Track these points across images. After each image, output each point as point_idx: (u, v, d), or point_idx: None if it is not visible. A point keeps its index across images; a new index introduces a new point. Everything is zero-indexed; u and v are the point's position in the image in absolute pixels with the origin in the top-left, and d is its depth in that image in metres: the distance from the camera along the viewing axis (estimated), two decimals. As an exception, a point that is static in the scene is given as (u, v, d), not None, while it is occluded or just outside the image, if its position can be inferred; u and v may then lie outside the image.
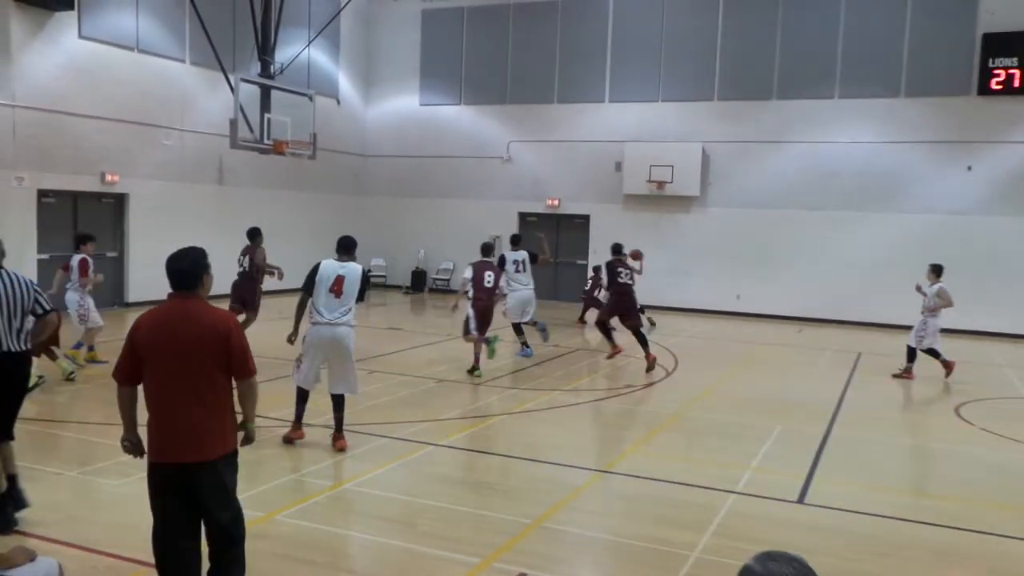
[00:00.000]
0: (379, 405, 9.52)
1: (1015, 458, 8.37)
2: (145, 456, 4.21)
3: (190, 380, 4.07)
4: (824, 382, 12.00)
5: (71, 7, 15.46)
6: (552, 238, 22.17)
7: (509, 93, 22.34)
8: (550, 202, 22.03)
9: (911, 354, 12.47)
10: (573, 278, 21.83)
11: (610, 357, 12.47)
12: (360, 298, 7.57)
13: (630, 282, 12.78)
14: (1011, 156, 17.88)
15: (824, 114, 19.29)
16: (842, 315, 18.73)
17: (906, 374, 12.40)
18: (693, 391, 10.96)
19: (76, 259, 11.06)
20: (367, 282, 7.67)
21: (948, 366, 12.22)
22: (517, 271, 12.94)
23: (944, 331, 12.78)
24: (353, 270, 7.48)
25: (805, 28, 19.34)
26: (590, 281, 18.00)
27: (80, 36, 15.95)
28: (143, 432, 4.24)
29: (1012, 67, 17.58)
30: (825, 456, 7.98)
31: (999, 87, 17.72)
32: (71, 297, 11.05)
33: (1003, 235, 17.87)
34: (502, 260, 12.80)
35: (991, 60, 17.74)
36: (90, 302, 11.13)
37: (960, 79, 18.12)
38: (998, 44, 17.66)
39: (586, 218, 21.75)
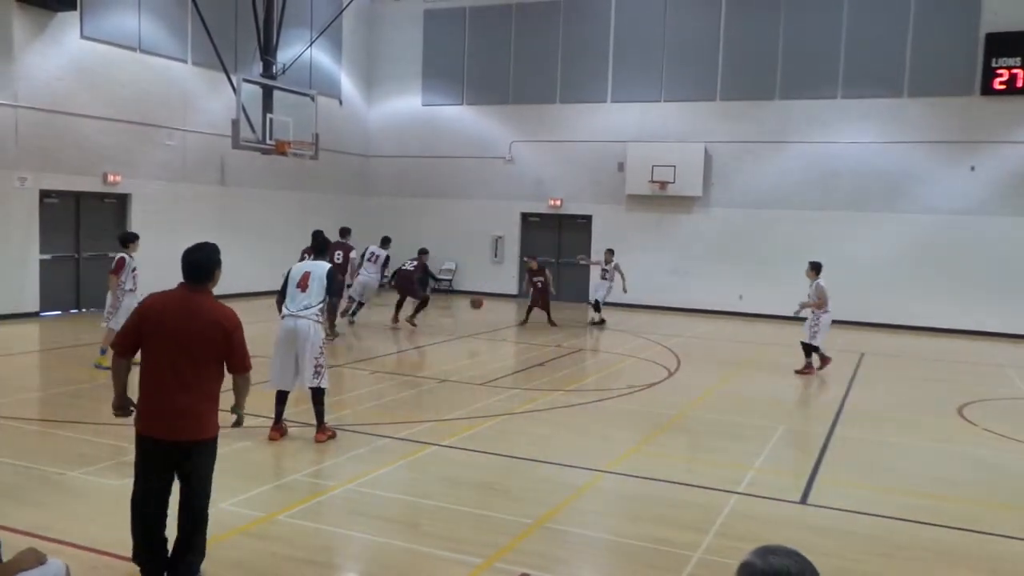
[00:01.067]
0: (381, 405, 9.53)
1: (1017, 458, 8.36)
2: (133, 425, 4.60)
3: (188, 367, 4.41)
4: (827, 382, 11.98)
5: (73, 7, 15.46)
6: (554, 239, 22.27)
7: (511, 93, 22.34)
8: (552, 202, 22.02)
9: (807, 349, 12.60)
10: (575, 279, 21.84)
11: (395, 326, 15.56)
12: (334, 290, 8.00)
13: (410, 269, 15.89)
14: (1014, 156, 17.86)
15: (826, 114, 19.28)
16: (845, 315, 18.59)
17: (808, 370, 12.51)
18: (695, 391, 10.95)
19: (116, 257, 10.97)
20: (332, 276, 7.91)
21: (825, 361, 12.56)
22: (368, 260, 15.66)
23: (946, 331, 12.73)
24: (319, 267, 7.88)
25: (808, 28, 19.32)
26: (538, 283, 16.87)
27: (82, 36, 15.96)
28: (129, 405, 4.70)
29: (1015, 67, 17.56)
30: (828, 456, 7.96)
31: (1002, 87, 17.69)
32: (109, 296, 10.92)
33: (1005, 235, 17.85)
34: (364, 250, 15.86)
35: (994, 60, 17.71)
36: (125, 303, 10.68)
37: (963, 79, 18.09)
38: (1001, 44, 17.64)
39: (588, 218, 21.74)
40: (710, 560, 5.36)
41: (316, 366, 7.67)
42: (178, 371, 4.40)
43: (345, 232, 15.36)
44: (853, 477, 7.41)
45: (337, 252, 14.35)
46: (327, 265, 7.94)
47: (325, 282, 7.76)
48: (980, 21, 17.90)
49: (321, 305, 7.78)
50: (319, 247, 8.26)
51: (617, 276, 17.46)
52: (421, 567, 5.11)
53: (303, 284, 7.73)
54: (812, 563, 1.96)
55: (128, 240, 11.13)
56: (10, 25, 14.72)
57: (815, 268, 12.73)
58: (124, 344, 4.55)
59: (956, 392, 11.55)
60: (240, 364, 4.58)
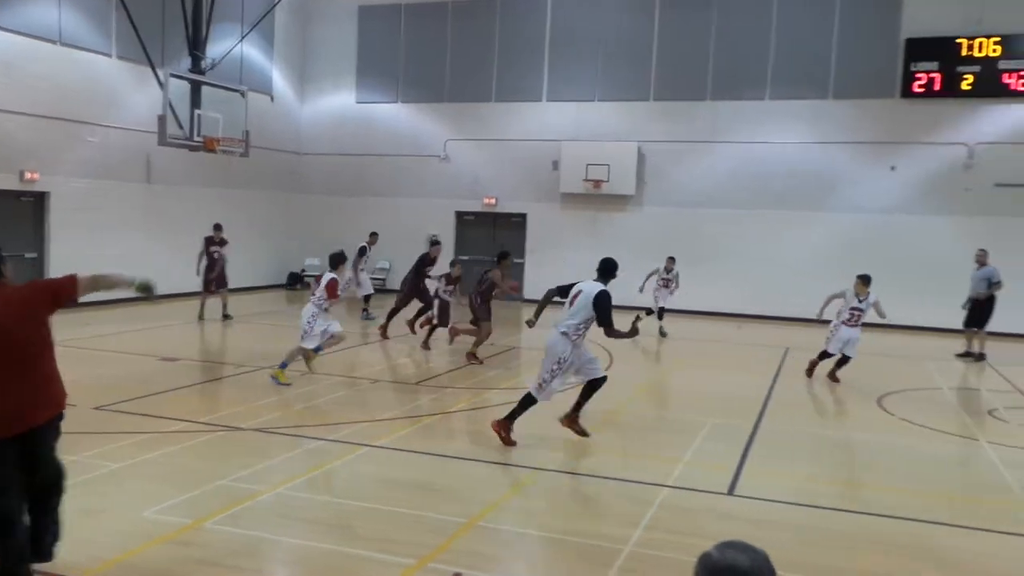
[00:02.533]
0: (314, 407, 9.40)
1: (932, 447, 8.70)
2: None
3: (18, 357, 4.32)
4: (756, 377, 12.25)
5: (-12, -3, 14.86)
6: (489, 237, 22.28)
7: (447, 91, 22.26)
8: (487, 201, 22.03)
9: (829, 359, 12.28)
10: (511, 278, 21.87)
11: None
12: (605, 321, 7.72)
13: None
14: (932, 157, 18.57)
15: (756, 115, 19.73)
16: (773, 311, 19.18)
17: (835, 378, 12.21)
18: (628, 388, 11.08)
19: (327, 278, 10.43)
20: (602, 302, 7.72)
21: (814, 368, 12.32)
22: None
23: (869, 325, 13.12)
24: (590, 288, 7.86)
25: (738, 30, 19.74)
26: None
27: (-2, 27, 15.33)
28: None
29: (933, 71, 18.26)
30: (754, 449, 8.16)
31: (921, 90, 18.39)
32: (307, 310, 10.39)
33: (924, 233, 18.54)
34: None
35: (913, 64, 18.40)
36: (319, 325, 10.30)
37: (884, 82, 18.73)
38: (920, 49, 18.33)
39: (523, 216, 21.81)
40: (640, 553, 5.44)
41: (542, 378, 7.93)
42: (10, 365, 4.28)
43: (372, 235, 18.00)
44: (778, 468, 7.62)
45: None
46: (596, 289, 7.80)
47: (591, 306, 7.71)
48: (901, 26, 18.56)
49: (578, 322, 7.79)
50: (603, 269, 8.08)
51: (673, 284, 16.70)
52: (353, 570, 5.06)
53: (572, 300, 7.96)
54: (769, 559, 2.02)
55: (340, 260, 10.77)
56: (-81, 14, 14.06)
57: (866, 281, 11.98)
58: None
59: (876, 384, 11.92)
60: (66, 294, 4.52)
